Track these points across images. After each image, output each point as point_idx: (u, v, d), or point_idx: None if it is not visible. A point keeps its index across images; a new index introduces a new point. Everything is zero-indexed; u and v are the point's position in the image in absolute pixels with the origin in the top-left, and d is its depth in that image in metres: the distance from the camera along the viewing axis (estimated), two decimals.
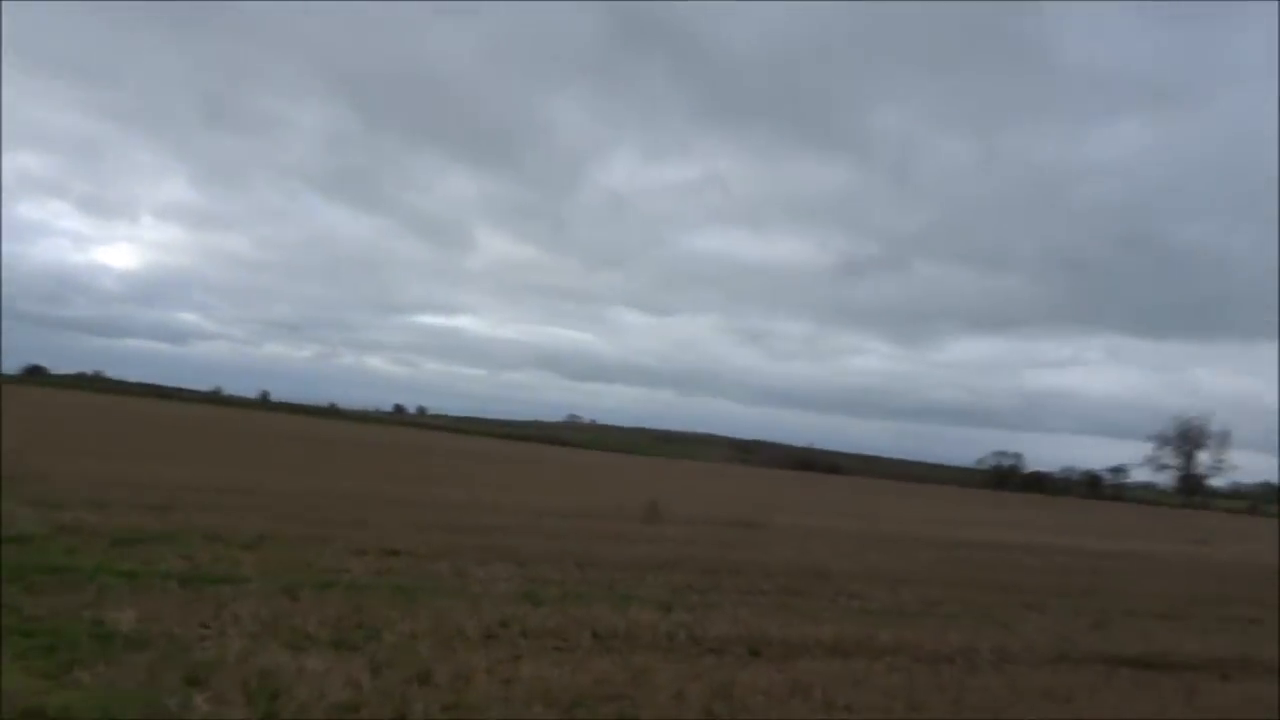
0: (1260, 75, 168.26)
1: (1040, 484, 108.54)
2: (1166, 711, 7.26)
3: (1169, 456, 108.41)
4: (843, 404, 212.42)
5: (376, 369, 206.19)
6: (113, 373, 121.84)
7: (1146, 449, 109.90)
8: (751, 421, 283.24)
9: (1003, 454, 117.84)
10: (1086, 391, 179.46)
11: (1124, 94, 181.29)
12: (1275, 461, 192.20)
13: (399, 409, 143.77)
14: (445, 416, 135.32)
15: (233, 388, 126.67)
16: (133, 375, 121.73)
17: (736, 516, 22.92)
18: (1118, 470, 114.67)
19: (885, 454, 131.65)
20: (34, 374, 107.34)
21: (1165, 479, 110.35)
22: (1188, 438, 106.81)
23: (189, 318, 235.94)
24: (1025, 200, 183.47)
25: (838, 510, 32.77)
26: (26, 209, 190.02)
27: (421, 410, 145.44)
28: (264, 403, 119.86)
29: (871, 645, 8.52)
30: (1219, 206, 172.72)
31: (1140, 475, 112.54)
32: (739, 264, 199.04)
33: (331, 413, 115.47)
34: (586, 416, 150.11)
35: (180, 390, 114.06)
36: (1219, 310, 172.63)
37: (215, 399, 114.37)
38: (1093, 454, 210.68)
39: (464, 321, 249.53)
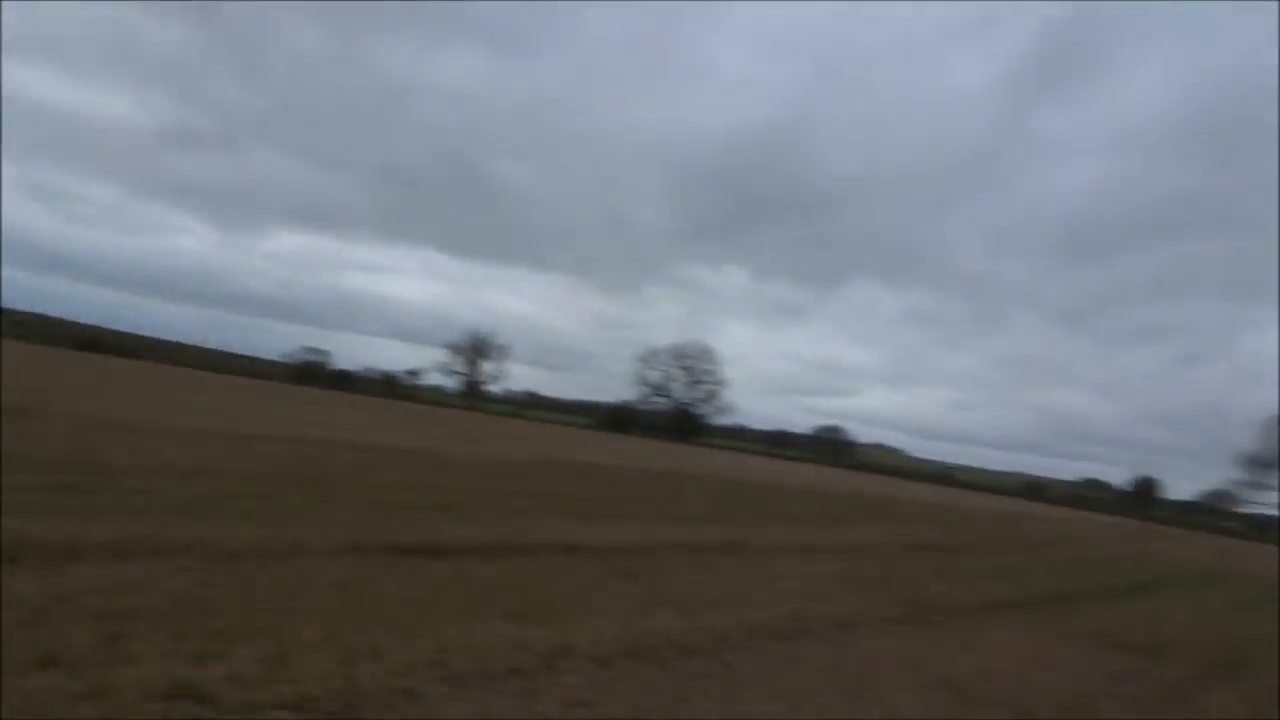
0: (593, 38, 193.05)
1: (344, 382, 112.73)
2: (438, 590, 8.13)
3: (459, 364, 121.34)
4: (147, 283, 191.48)
5: None
6: None
7: (441, 355, 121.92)
8: (34, 292, 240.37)
9: (312, 350, 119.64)
10: (396, 297, 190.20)
11: (470, 24, 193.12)
12: (539, 373, 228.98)
13: None
14: None
15: None
16: None
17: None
18: (413, 373, 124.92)
19: (191, 341, 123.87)
20: None
21: (453, 383, 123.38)
22: (476, 348, 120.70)
23: None
24: (368, 106, 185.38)
25: (130, 398, 29.87)
26: None
27: None
28: None
29: (157, 544, 7.98)
30: (532, 149, 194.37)
31: (433, 379, 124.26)
32: (36, 106, 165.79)
33: None
34: None
35: None
36: (515, 240, 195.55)
37: None
38: (395, 356, 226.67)
39: None
